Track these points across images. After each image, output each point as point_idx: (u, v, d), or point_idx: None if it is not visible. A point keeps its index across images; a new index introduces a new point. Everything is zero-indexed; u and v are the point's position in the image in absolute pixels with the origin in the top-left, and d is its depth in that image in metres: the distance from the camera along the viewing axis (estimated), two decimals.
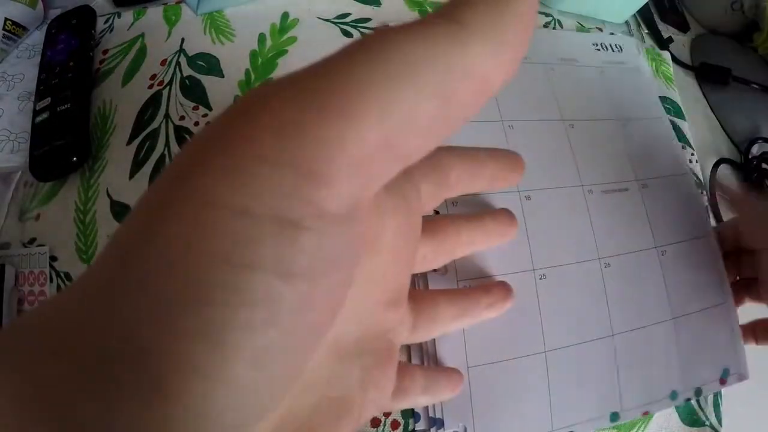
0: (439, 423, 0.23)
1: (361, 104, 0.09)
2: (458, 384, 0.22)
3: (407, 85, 0.09)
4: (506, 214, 0.23)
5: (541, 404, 0.24)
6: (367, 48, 0.09)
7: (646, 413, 0.26)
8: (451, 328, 0.21)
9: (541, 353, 0.25)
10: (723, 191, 0.30)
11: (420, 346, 0.24)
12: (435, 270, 0.25)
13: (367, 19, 0.33)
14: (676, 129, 0.35)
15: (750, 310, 0.29)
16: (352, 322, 0.15)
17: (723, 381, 0.27)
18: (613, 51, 0.35)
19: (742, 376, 0.28)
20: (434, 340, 0.24)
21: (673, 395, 0.26)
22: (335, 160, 0.09)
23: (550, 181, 0.28)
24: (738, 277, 0.30)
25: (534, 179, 0.28)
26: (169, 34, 0.32)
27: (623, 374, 0.25)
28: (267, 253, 0.08)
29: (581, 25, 0.37)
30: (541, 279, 0.26)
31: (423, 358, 0.24)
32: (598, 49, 0.35)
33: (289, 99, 0.09)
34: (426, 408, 0.23)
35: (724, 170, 0.37)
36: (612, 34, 0.37)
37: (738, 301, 0.29)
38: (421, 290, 0.23)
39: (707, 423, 0.28)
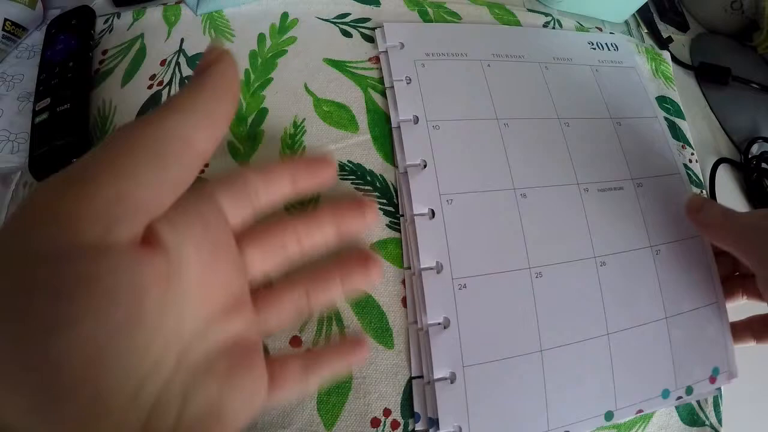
0: (435, 424, 0.23)
1: (94, 174, 0.13)
2: (356, 354, 0.21)
3: (129, 157, 0.13)
4: (349, 201, 0.22)
5: (537, 404, 0.24)
6: (108, 138, 0.14)
7: (639, 411, 0.26)
8: (297, 311, 0.21)
9: (537, 352, 0.25)
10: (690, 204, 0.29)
11: (418, 347, 0.24)
12: (431, 268, 0.25)
13: (367, 19, 0.33)
14: (676, 129, 0.35)
15: (743, 308, 0.29)
16: (194, 340, 0.16)
17: (713, 379, 0.27)
18: (609, 50, 0.35)
19: (731, 375, 0.28)
20: (428, 338, 0.24)
21: (665, 393, 0.26)
22: (76, 211, 0.12)
23: (546, 179, 0.28)
24: (736, 273, 0.30)
25: (530, 177, 0.28)
26: (169, 34, 0.32)
27: (618, 373, 0.26)
28: (42, 275, 0.12)
29: (581, 24, 0.37)
30: (537, 277, 0.26)
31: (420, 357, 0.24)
32: (594, 48, 0.35)
33: (54, 179, 0.13)
34: (425, 408, 0.23)
35: (723, 170, 0.37)
36: (612, 33, 0.37)
37: (732, 296, 0.29)
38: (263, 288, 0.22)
39: (707, 423, 0.28)
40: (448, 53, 0.31)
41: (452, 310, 0.24)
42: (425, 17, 0.34)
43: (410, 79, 0.29)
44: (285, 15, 0.32)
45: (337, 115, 0.29)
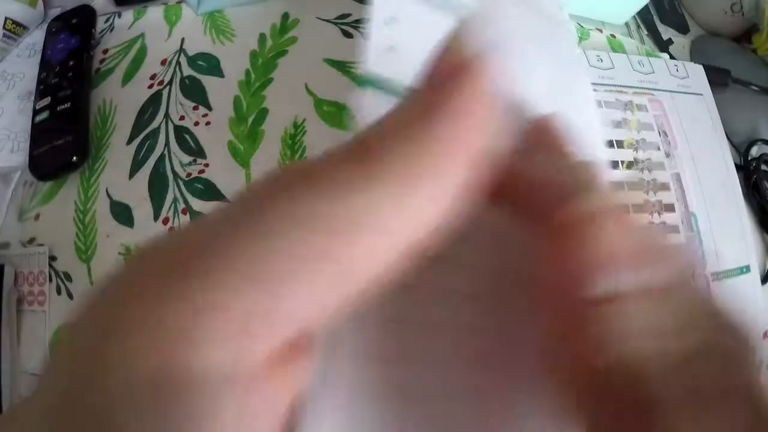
0: None
1: (225, 273, 0.08)
2: None
3: (280, 252, 0.08)
4: None
5: None
6: (251, 197, 0.09)
7: None
8: None
9: None
10: None
11: None
12: None
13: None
14: None
15: None
16: None
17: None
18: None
19: None
20: None
21: None
22: (208, 326, 0.08)
23: None
24: None
25: None
26: (170, 33, 0.32)
27: None
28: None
29: (581, 26, 0.37)
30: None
31: None
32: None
33: (160, 263, 0.09)
34: None
35: None
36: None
37: None
38: None
39: None
40: None
41: None
42: None
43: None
44: (286, 15, 0.32)
45: (337, 115, 0.29)
